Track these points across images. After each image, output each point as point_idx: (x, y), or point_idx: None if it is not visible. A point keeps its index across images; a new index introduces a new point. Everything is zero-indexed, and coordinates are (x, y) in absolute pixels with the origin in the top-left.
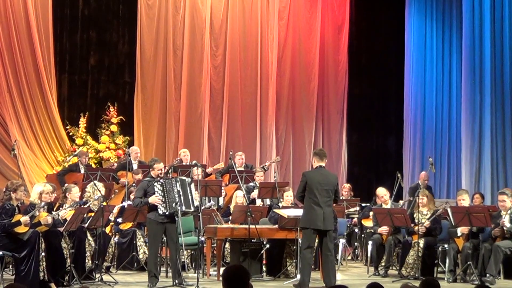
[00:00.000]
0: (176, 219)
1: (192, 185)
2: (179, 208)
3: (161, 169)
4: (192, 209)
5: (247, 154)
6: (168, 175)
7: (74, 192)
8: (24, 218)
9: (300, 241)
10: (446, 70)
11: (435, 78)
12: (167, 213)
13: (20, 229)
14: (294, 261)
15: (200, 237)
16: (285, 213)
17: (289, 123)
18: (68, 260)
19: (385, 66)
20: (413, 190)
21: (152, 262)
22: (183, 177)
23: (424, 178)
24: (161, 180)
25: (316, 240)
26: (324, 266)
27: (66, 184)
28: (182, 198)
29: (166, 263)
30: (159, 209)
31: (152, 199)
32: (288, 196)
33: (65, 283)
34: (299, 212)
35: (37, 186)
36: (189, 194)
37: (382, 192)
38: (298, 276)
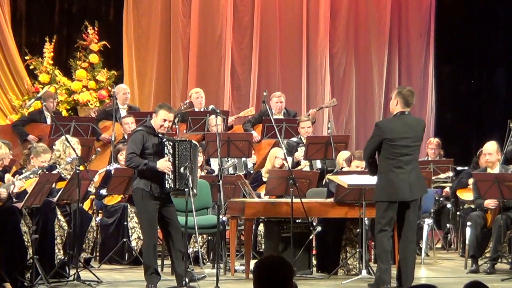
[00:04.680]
0: (186, 190)
1: (200, 156)
2: (189, 174)
3: (169, 120)
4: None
5: (288, 95)
6: (175, 126)
7: (44, 159)
8: None
9: (366, 222)
10: None
11: None
12: (176, 187)
13: None
14: (358, 250)
15: (220, 216)
16: (344, 181)
17: (350, 49)
18: (30, 250)
19: None
20: None
21: (149, 254)
22: (194, 142)
23: None
24: (174, 139)
25: None
26: (400, 256)
27: (30, 137)
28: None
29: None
30: (166, 182)
31: (162, 164)
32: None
33: (25, 283)
34: (365, 179)
35: None
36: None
37: (490, 148)
38: (364, 273)
